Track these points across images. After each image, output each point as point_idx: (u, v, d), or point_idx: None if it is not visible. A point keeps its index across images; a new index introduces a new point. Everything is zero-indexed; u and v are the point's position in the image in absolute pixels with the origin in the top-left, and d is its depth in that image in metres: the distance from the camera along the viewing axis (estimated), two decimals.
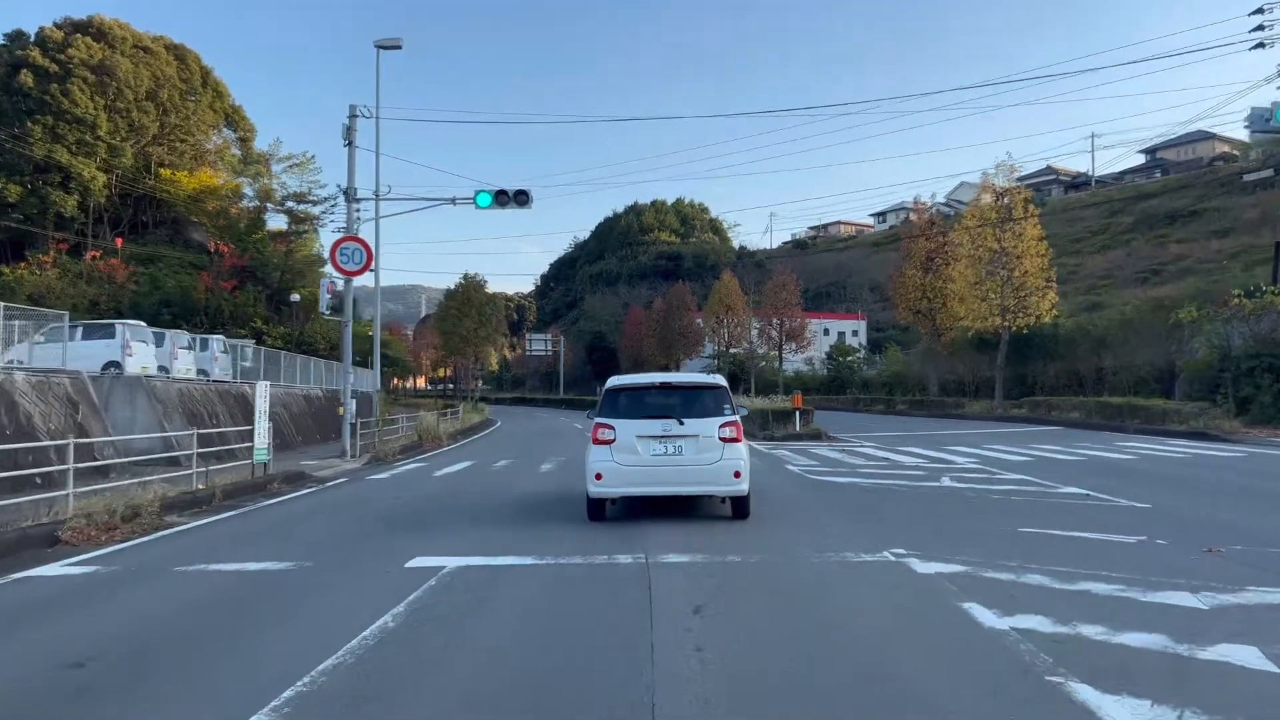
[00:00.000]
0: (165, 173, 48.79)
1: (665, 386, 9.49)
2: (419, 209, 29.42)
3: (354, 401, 20.02)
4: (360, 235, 20.92)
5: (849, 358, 49.86)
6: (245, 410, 22.05)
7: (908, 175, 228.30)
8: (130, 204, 48.51)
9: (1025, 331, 30.32)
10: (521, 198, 19.61)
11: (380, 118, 21.15)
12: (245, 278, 46.49)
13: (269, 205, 49.50)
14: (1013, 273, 29.40)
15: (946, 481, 12.42)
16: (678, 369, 64.43)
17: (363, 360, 43.53)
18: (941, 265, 33.93)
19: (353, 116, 20.31)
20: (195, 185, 49.10)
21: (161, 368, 20.82)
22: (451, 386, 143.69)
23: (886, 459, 15.93)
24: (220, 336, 28.85)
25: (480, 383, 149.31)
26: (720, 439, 8.81)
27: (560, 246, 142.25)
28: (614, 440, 8.85)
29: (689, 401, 9.11)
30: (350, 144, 20.19)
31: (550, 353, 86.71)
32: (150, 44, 49.34)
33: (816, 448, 19.45)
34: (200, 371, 23.74)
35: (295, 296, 43.62)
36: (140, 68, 47.12)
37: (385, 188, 21.53)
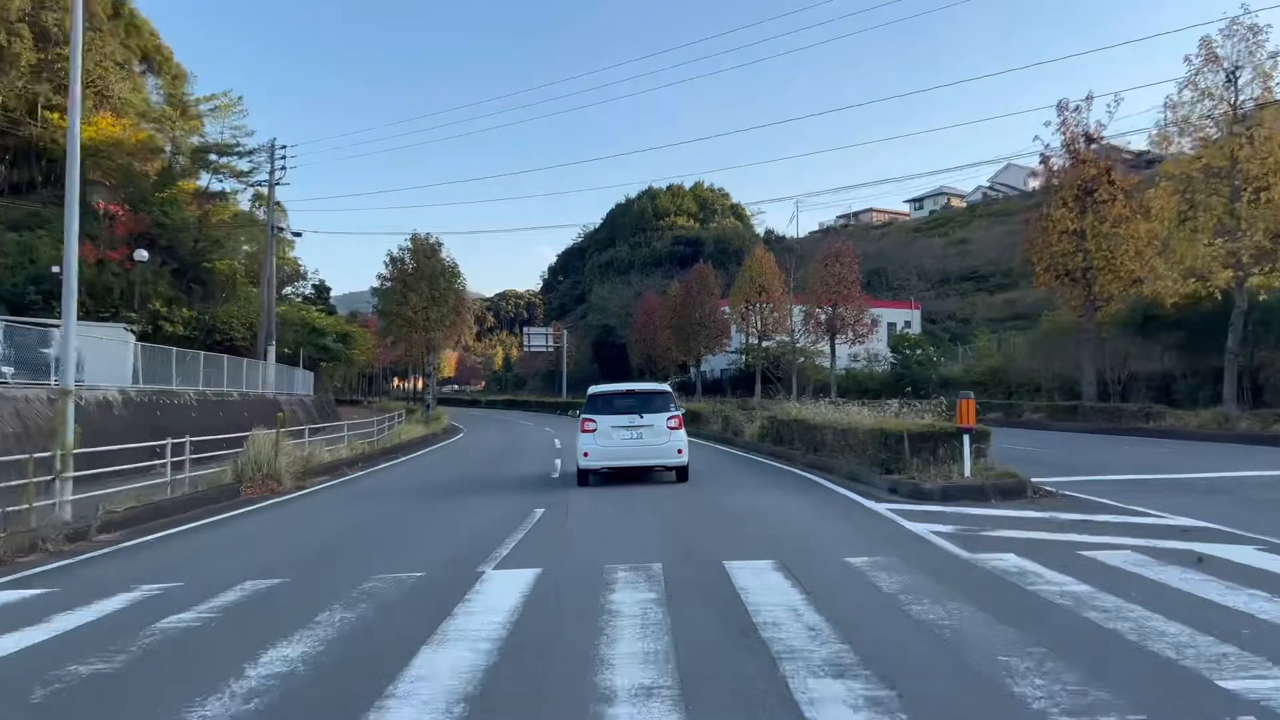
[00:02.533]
0: (53, 117, 38.70)
1: (630, 393, 13.67)
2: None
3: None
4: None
5: (921, 350, 38.79)
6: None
7: (941, 162, 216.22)
8: (6, 155, 38.48)
9: (1263, 297, 19.14)
10: None
11: None
12: (146, 247, 36.34)
13: (181, 156, 39.19)
14: (1267, 195, 17.99)
15: None
16: (698, 365, 53.52)
17: (315, 358, 32.84)
18: (1106, 203, 22.88)
19: None
20: (92, 135, 39.00)
21: None
22: (455, 389, 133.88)
23: None
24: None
25: (453, 385, 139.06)
26: (668, 427, 12.75)
27: (570, 238, 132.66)
28: (596, 429, 12.74)
29: (647, 402, 13.12)
30: None
31: (552, 349, 76.06)
32: None
33: (1080, 547, 8.65)
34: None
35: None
36: None
37: None
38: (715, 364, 57.14)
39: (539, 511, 9.99)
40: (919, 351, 38.57)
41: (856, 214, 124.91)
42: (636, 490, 12.16)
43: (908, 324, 64.71)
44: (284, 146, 34.69)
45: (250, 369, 30.74)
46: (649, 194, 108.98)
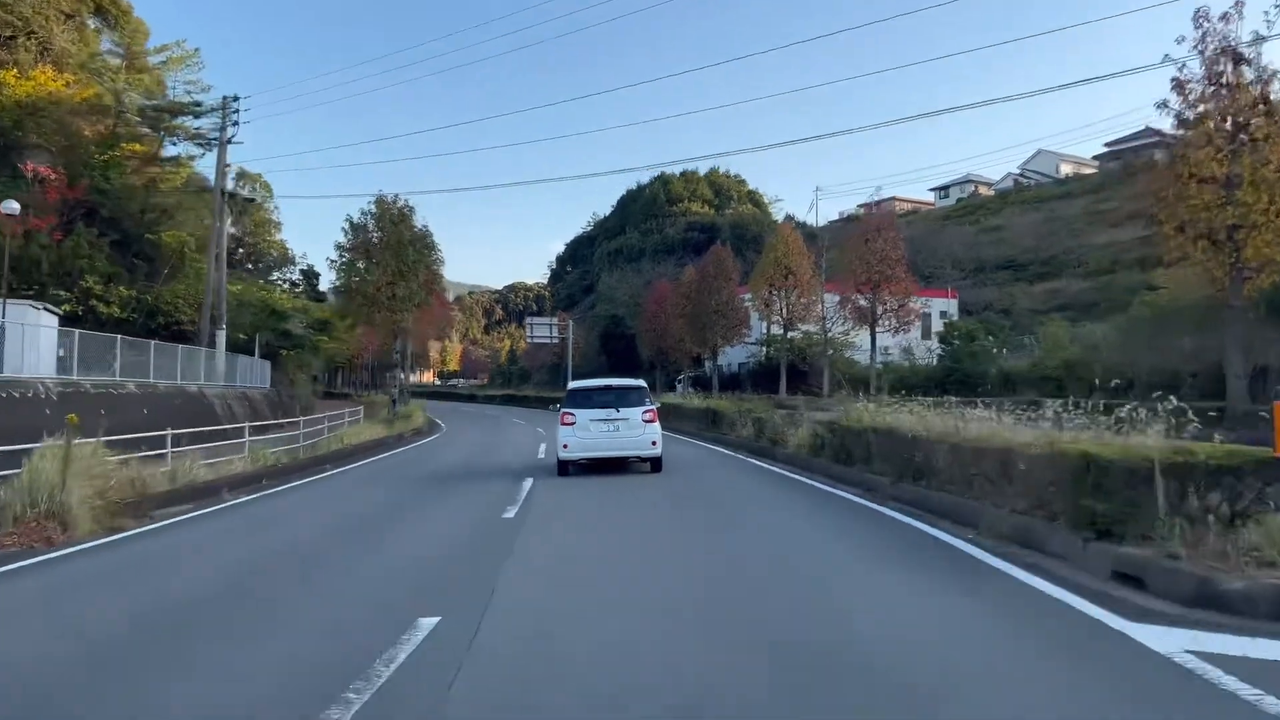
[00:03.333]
0: None
1: (608, 388, 14.36)
2: None
3: None
4: None
5: (977, 341, 33.45)
6: None
7: (964, 151, 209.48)
8: None
9: None
10: None
11: None
12: (84, 217, 31.66)
13: (129, 115, 34.38)
14: None
15: None
16: (714, 358, 48.44)
17: (276, 346, 28.26)
18: (1263, 141, 17.36)
19: None
20: (29, 90, 34.31)
21: None
22: (458, 384, 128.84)
23: None
24: None
25: (459, 379, 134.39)
26: (643, 421, 13.35)
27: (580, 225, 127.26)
28: (575, 422, 13.26)
29: (623, 397, 13.69)
30: None
31: (557, 340, 71.06)
32: None
33: None
34: None
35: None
36: None
37: None
38: (733, 356, 52.02)
39: (430, 627, 4.96)
40: (973, 342, 33.25)
41: (878, 202, 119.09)
42: (644, 584, 7.18)
43: (944, 314, 59.43)
44: (237, 99, 29.87)
45: (189, 358, 25.95)
46: (661, 180, 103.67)
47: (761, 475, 13.02)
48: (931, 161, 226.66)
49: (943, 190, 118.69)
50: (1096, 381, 28.60)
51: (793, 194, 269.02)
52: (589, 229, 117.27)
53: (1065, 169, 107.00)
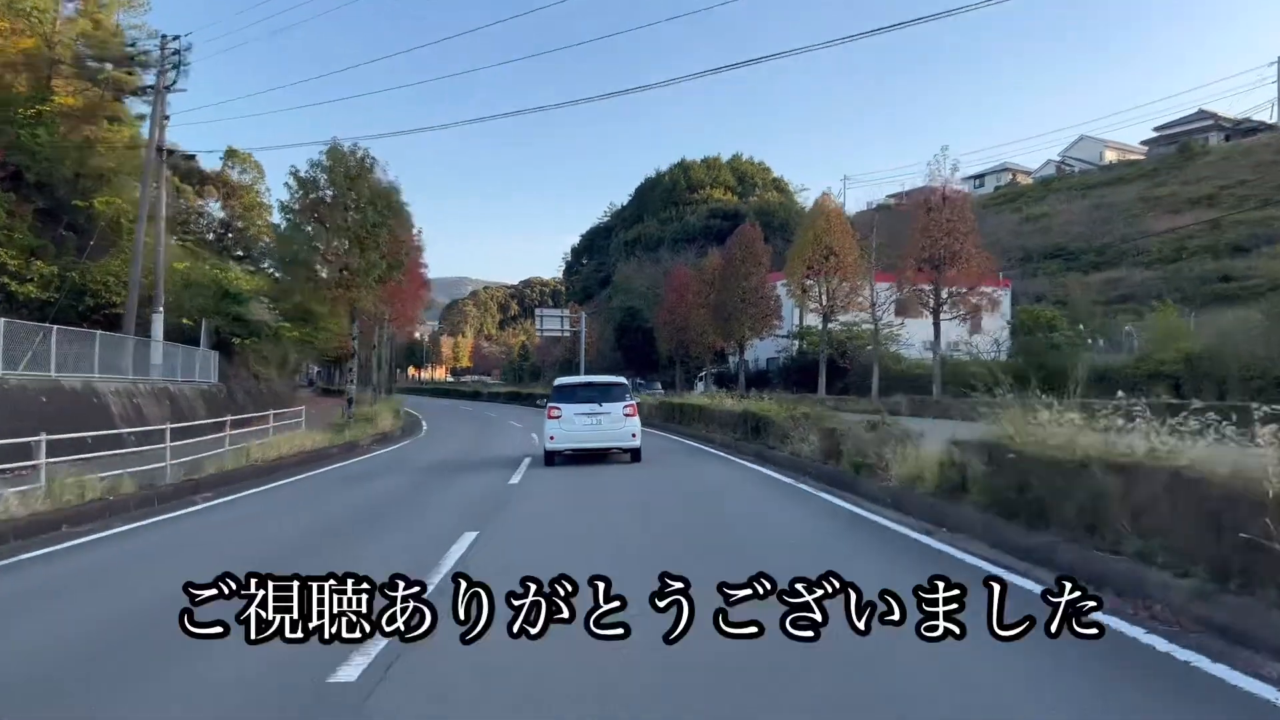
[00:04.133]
0: None
1: (591, 385, 15.36)
2: None
3: None
4: None
5: (1058, 332, 27.79)
6: None
7: (995, 139, 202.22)
8: None
9: None
10: None
11: None
12: (9, 180, 26.95)
13: (63, 65, 29.52)
14: None
15: None
16: (741, 352, 43.03)
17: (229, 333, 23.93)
18: None
19: None
20: None
21: None
22: (467, 380, 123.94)
23: None
24: None
25: (471, 376, 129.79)
26: (624, 415, 14.24)
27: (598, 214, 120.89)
28: (560, 416, 14.11)
29: (606, 392, 14.66)
30: None
31: (569, 334, 65.94)
32: None
33: None
34: None
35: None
36: None
37: None
38: (760, 351, 46.62)
39: None
40: (1053, 332, 27.59)
41: (908, 192, 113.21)
42: None
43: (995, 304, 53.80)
44: (178, 38, 25.02)
45: (112, 347, 21.06)
46: (681, 166, 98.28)
47: (874, 538, 7.71)
48: (961, 150, 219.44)
49: (977, 179, 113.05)
50: (1225, 378, 22.20)
51: (817, 185, 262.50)
52: (606, 219, 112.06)
53: (1110, 155, 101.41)
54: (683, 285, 51.06)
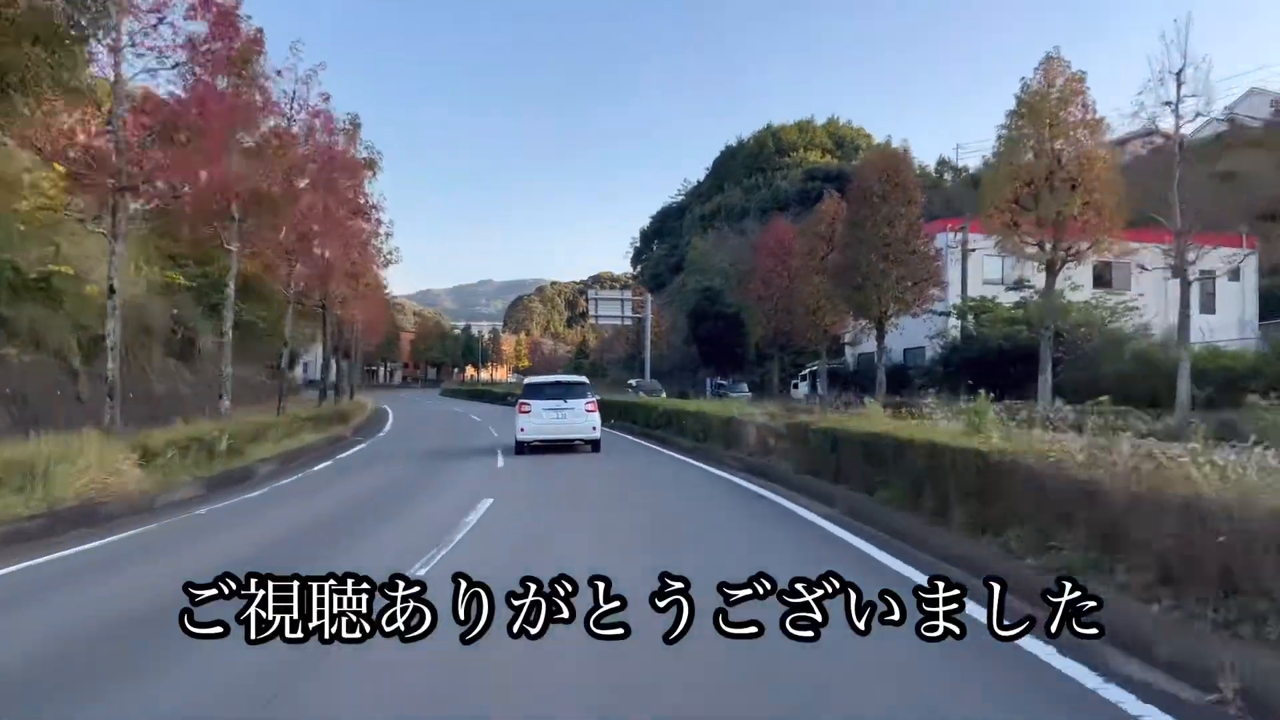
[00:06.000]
0: None
1: (558, 383, 17.35)
2: None
3: None
4: None
5: None
6: None
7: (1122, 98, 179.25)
8: None
9: None
10: None
11: None
12: None
13: None
14: None
15: None
16: (880, 334, 28.19)
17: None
18: None
19: None
20: None
21: None
22: (512, 379, 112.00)
23: None
24: None
25: (526, 375, 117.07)
26: (585, 411, 16.13)
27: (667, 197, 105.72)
28: (530, 411, 15.98)
29: (570, 390, 16.66)
30: None
31: (630, 322, 52.24)
32: None
33: None
34: None
35: None
36: None
37: None
38: (904, 336, 31.84)
39: None
40: None
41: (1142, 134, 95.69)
42: None
43: (1234, 273, 37.80)
44: None
45: None
46: (769, 130, 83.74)
47: None
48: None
49: (1119, 143, 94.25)
50: None
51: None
52: (679, 198, 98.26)
53: None
54: (782, 248, 36.85)
